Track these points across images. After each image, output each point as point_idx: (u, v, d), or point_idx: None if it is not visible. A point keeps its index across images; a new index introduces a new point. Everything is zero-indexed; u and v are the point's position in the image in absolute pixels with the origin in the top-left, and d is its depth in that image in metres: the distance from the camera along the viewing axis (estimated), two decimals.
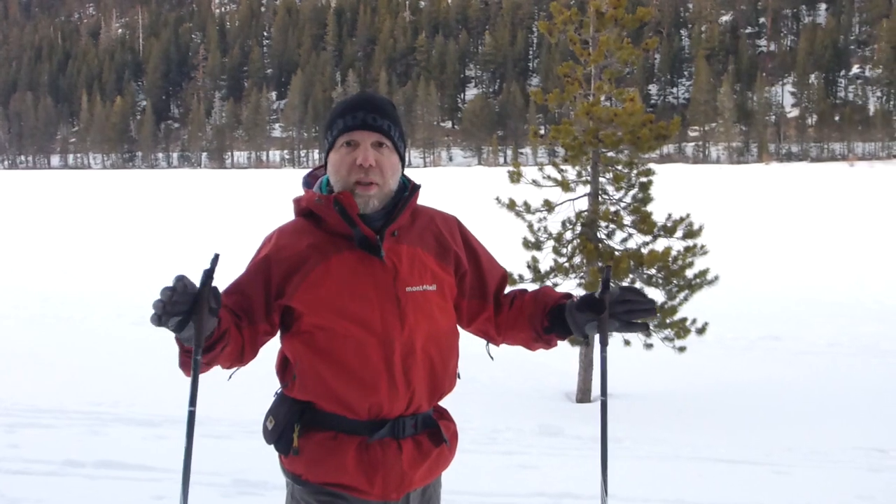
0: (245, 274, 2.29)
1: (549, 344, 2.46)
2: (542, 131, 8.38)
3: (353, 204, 2.22)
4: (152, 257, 17.92)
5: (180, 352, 2.12)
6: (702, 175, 56.74)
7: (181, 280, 1.96)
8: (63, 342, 9.52)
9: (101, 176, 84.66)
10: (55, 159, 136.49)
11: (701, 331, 7.48)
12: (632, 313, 2.30)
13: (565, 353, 7.70)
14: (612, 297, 2.29)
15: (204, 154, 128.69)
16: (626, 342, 7.39)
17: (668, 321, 7.36)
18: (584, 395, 7.68)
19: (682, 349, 7.46)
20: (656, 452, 5.98)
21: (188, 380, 2.11)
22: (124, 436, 6.10)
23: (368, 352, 2.20)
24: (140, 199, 41.47)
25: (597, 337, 2.35)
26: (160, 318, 1.93)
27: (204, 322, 1.99)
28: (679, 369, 8.14)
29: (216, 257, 2.05)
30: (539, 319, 2.40)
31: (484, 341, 2.56)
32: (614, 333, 2.39)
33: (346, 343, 2.21)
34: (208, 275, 2.00)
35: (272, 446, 2.34)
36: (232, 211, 31.55)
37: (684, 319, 7.43)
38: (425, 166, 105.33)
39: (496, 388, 7.64)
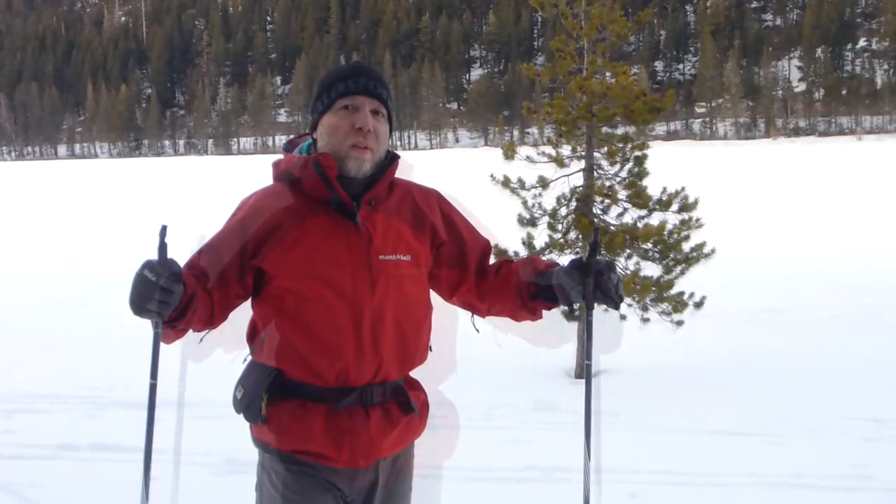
0: (219, 235, 2.27)
1: (534, 314, 2.42)
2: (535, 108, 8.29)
3: (333, 166, 2.21)
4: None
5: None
6: (709, 151, 56.44)
7: (153, 271, 1.97)
8: (62, 328, 9.54)
9: (108, 165, 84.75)
10: (62, 149, 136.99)
11: (699, 305, 7.44)
12: (608, 288, 2.28)
13: (564, 331, 7.67)
14: (599, 266, 2.27)
15: (210, 141, 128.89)
16: (623, 317, 7.36)
17: (664, 295, 7.32)
18: (582, 371, 7.66)
19: (679, 323, 7.42)
20: (651, 425, 5.96)
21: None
22: (120, 419, 6.10)
23: (337, 315, 2.19)
24: (147, 186, 41.52)
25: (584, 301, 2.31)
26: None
27: (171, 295, 1.98)
28: (680, 343, 8.09)
29: (164, 228, 2.05)
30: (526, 285, 2.37)
31: (469, 314, 2.53)
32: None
33: (315, 306, 2.19)
34: (164, 247, 2.00)
35: (241, 416, 2.34)
36: (239, 197, 31.42)
37: (681, 293, 7.39)
38: (431, 148, 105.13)
39: (494, 365, 7.59)
